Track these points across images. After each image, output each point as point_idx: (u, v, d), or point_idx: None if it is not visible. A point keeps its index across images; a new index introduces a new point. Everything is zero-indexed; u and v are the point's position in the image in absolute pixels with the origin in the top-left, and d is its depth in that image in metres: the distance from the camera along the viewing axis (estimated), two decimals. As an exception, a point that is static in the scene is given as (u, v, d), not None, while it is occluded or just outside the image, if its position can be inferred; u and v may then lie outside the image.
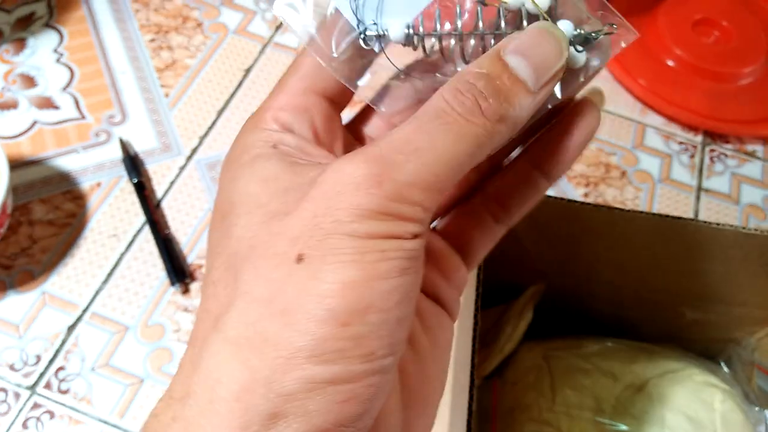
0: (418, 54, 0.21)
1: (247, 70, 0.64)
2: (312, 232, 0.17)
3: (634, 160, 0.63)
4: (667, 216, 0.37)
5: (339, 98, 0.22)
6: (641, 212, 0.37)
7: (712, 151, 0.64)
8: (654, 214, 0.37)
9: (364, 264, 0.17)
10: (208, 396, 0.17)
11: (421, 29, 0.21)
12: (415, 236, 0.17)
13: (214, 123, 0.61)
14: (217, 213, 0.20)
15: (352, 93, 0.22)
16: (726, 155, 0.64)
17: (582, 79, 0.22)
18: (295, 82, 0.21)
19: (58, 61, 0.63)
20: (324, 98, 0.21)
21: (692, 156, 0.64)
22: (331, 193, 0.17)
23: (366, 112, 0.24)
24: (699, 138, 0.65)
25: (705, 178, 0.63)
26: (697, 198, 0.61)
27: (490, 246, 0.24)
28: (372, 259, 0.17)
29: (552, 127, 0.23)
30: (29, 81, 0.62)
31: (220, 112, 0.62)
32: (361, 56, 0.21)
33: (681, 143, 0.64)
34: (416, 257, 0.18)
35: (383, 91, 0.22)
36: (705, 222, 0.36)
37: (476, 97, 0.18)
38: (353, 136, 0.23)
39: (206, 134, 0.60)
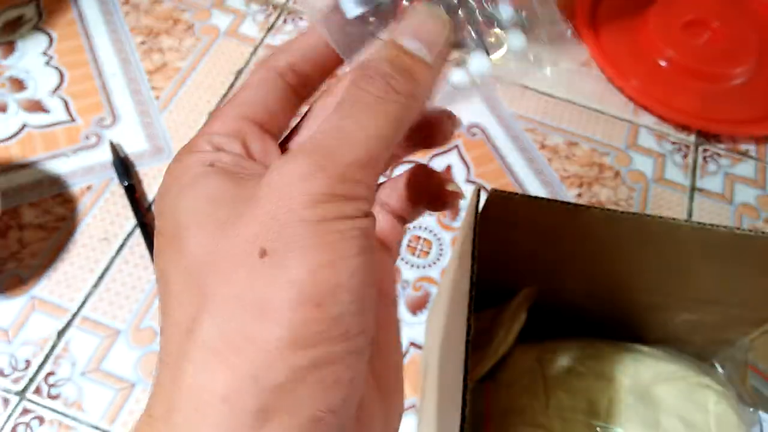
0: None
1: (238, 72, 0.64)
2: (269, 226, 0.17)
3: (628, 160, 0.63)
4: (661, 217, 0.37)
5: (270, 126, 0.23)
6: (635, 213, 0.37)
7: (706, 150, 0.64)
8: (648, 215, 0.37)
9: (326, 246, 0.17)
10: (192, 405, 0.17)
11: None
12: (366, 215, 0.18)
13: (205, 125, 0.61)
14: (162, 238, 0.20)
15: (285, 121, 0.24)
16: (719, 155, 0.64)
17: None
18: (228, 110, 0.23)
19: (47, 64, 0.63)
20: (255, 124, 0.23)
21: (685, 156, 0.64)
22: (279, 189, 0.18)
23: (294, 132, 0.25)
24: (692, 138, 0.65)
25: (698, 177, 0.63)
26: (691, 198, 0.61)
27: (400, 242, 0.27)
28: (332, 240, 0.17)
29: (402, 178, 0.26)
30: (18, 84, 0.61)
31: (210, 115, 0.61)
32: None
33: (674, 143, 0.64)
34: (370, 236, 0.19)
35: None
36: (699, 223, 0.36)
37: (385, 77, 0.19)
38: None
39: (197, 137, 0.60)
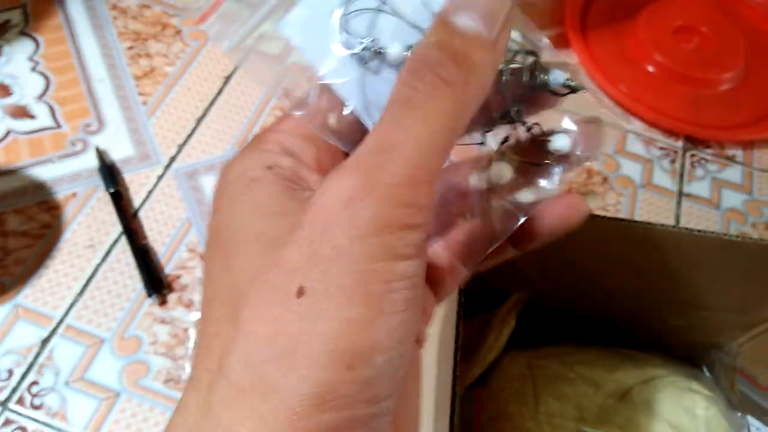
0: None
1: (227, 78, 0.64)
2: (311, 261, 0.16)
3: (616, 166, 0.63)
4: (650, 223, 0.36)
5: None
6: (623, 219, 0.37)
7: (693, 156, 0.64)
8: (636, 221, 0.37)
9: (368, 298, 0.16)
10: None
11: None
12: (417, 251, 0.17)
13: (193, 131, 0.60)
14: (214, 236, 0.19)
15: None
16: (707, 160, 0.64)
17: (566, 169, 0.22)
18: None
19: (33, 69, 0.62)
20: None
21: (673, 161, 0.64)
22: (323, 215, 0.16)
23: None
24: (680, 143, 0.65)
25: (686, 183, 0.63)
26: (678, 203, 0.61)
27: (456, 285, 0.24)
28: (376, 291, 0.16)
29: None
30: (4, 90, 0.61)
31: (199, 121, 0.61)
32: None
33: (662, 148, 0.64)
34: (419, 284, 0.17)
35: None
36: (687, 229, 0.36)
37: (434, 68, 0.17)
38: None
39: (185, 143, 0.60)
